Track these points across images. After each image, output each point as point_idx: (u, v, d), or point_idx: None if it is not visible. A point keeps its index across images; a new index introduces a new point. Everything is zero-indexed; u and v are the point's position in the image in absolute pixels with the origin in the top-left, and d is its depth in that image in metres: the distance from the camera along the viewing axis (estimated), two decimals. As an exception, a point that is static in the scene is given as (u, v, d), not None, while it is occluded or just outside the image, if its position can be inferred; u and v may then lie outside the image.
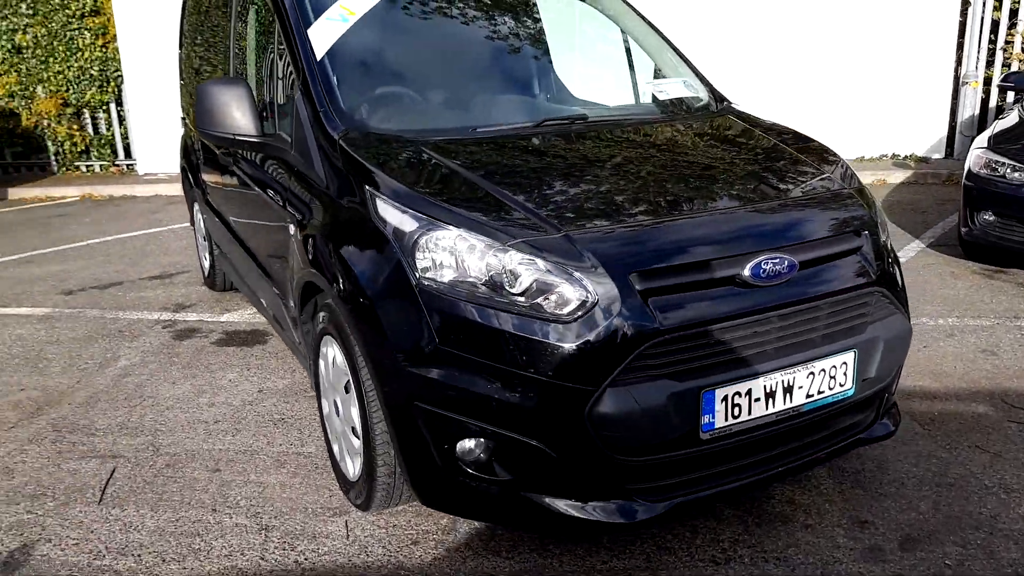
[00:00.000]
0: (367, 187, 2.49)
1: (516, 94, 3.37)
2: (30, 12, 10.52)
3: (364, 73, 3.17)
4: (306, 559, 2.54)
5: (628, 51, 3.72)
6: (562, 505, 2.23)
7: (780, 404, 2.30)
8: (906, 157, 9.76)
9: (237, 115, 2.97)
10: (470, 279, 2.19)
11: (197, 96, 3.01)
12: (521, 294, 2.15)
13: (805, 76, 9.72)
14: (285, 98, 3.18)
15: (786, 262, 2.28)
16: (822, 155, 2.97)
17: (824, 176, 2.76)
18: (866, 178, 9.25)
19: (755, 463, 2.38)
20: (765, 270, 2.25)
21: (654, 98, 3.50)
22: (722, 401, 2.20)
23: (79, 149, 11.07)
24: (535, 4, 3.60)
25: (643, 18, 3.82)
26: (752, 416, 2.26)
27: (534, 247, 2.17)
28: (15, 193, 10.13)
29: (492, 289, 2.17)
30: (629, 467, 2.18)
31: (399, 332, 2.28)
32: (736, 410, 2.23)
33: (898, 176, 9.14)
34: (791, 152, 2.96)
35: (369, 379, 2.41)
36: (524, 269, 2.16)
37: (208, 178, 4.75)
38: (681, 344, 2.15)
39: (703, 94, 3.52)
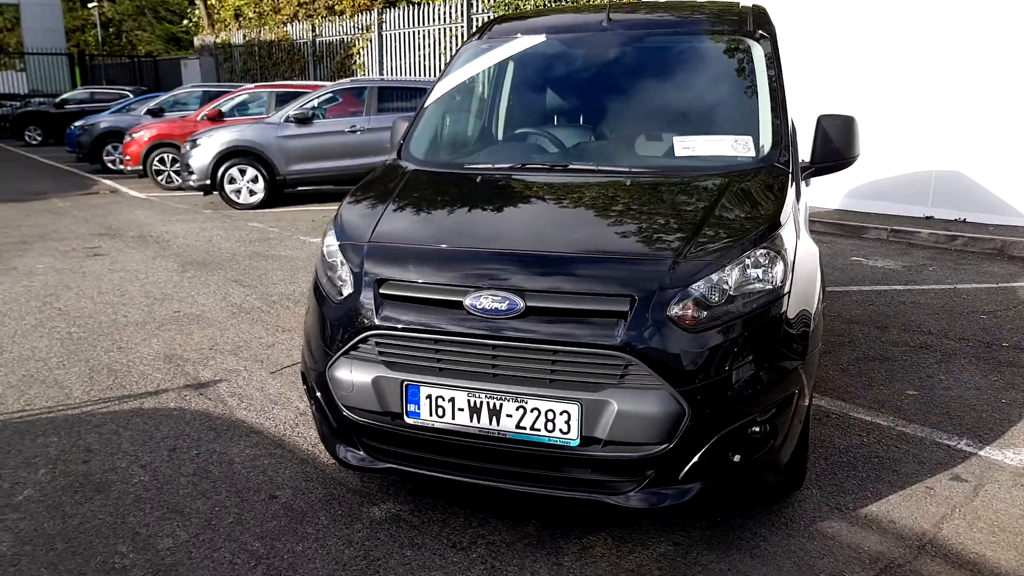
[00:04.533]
0: None
1: (537, 140, 3.83)
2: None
3: (437, 118, 4.10)
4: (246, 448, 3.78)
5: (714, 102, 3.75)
6: (336, 444, 3.01)
7: (485, 423, 2.63)
8: None
9: (394, 140, 4.27)
10: (330, 260, 3.12)
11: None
12: (339, 277, 3.01)
13: None
14: None
15: (507, 302, 2.60)
16: (720, 229, 2.84)
17: (656, 245, 2.76)
18: None
19: (467, 467, 2.75)
20: (482, 304, 2.62)
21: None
22: (427, 398, 2.68)
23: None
24: (625, 53, 3.92)
25: (770, 67, 3.67)
26: (456, 422, 2.67)
27: (344, 248, 3.00)
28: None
29: (331, 270, 3.07)
30: (358, 424, 2.84)
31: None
32: (440, 411, 2.68)
33: None
34: (672, 220, 2.93)
35: None
36: (341, 261, 3.01)
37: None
38: (395, 341, 2.73)
39: (750, 155, 3.38)
